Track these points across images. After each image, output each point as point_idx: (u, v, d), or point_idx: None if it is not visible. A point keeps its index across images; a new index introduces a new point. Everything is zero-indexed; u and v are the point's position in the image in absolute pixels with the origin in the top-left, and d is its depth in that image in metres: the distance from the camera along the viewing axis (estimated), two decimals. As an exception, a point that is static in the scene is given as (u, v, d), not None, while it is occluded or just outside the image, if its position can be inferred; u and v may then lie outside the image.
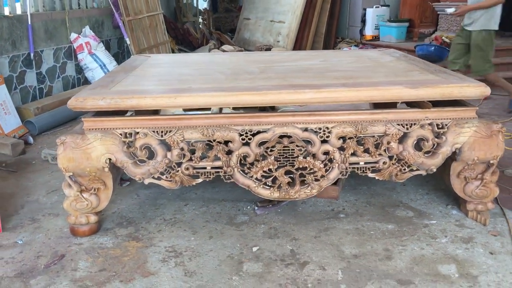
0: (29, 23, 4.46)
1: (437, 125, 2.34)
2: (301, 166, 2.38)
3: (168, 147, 2.36)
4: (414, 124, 2.35)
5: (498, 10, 4.31)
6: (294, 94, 2.32)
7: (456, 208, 2.60)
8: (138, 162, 2.36)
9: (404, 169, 2.39)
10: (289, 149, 2.36)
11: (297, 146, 2.35)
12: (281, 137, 2.34)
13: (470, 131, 2.33)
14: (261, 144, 2.35)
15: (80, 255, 2.22)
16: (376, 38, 7.62)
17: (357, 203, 2.72)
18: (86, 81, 5.43)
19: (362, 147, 2.38)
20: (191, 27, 8.94)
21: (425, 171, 2.40)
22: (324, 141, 2.35)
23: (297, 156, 2.36)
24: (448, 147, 2.34)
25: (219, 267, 2.12)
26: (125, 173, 2.85)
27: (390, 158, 2.39)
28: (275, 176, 2.38)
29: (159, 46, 6.40)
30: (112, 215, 2.62)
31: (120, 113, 2.42)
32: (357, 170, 2.41)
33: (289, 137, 2.34)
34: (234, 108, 3.32)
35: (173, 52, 7.08)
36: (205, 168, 2.39)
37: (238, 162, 2.36)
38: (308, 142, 2.36)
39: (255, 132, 2.34)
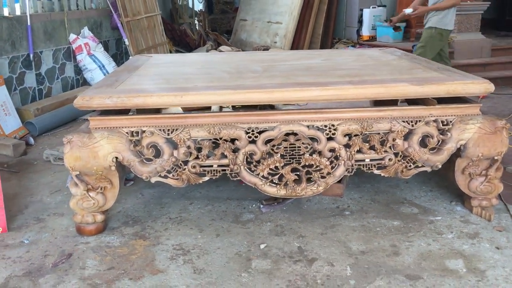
0: (29, 24, 4.45)
1: (442, 121, 2.36)
2: (307, 164, 2.39)
3: (174, 146, 2.36)
4: (419, 121, 2.37)
5: (454, 11, 4.44)
6: (300, 92, 2.33)
7: (460, 204, 2.62)
8: (144, 161, 2.36)
9: (410, 166, 2.41)
10: (295, 147, 2.37)
11: (303, 143, 2.36)
12: (287, 134, 2.35)
13: (474, 127, 2.35)
14: (268, 142, 2.36)
15: (88, 254, 2.22)
16: (373, 38, 7.65)
17: (362, 200, 2.74)
18: (85, 82, 5.42)
19: (367, 144, 2.39)
20: (188, 28, 8.94)
21: (430, 168, 2.42)
22: (330, 139, 2.36)
23: (303, 154, 2.37)
24: (453, 143, 2.36)
25: (228, 264, 2.13)
26: (129, 173, 2.86)
27: (396, 155, 2.40)
28: (282, 173, 2.39)
29: (157, 47, 6.40)
30: (117, 214, 2.62)
31: (123, 112, 2.43)
32: (363, 167, 2.43)
33: (295, 134, 2.35)
34: (233, 108, 3.34)
35: (170, 53, 7.08)
36: (211, 166, 2.39)
37: (245, 160, 2.37)
38: (314, 139, 2.37)
39: (261, 130, 2.35)
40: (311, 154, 2.38)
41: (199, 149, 2.37)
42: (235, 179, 2.41)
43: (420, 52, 4.54)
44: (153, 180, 2.39)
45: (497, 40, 7.03)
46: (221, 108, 4.00)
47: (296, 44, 7.79)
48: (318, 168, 2.39)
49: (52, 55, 4.90)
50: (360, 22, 7.86)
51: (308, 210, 2.64)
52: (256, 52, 3.88)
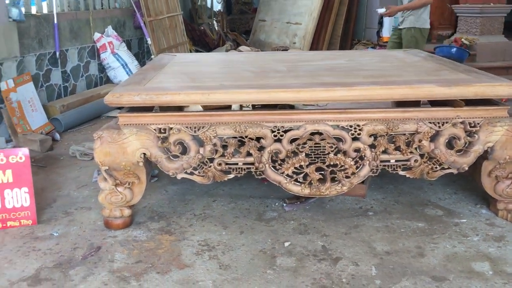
0: (55, 22, 4.54)
1: (469, 123, 2.35)
2: (332, 163, 2.40)
3: (200, 143, 2.39)
4: (446, 122, 2.36)
5: (426, 9, 4.49)
6: (326, 92, 2.35)
7: (485, 207, 2.60)
8: (171, 157, 2.39)
9: (436, 167, 2.40)
10: (320, 146, 2.38)
11: (328, 143, 2.37)
12: (312, 134, 2.37)
13: (502, 130, 2.33)
14: (293, 140, 2.37)
15: (116, 247, 2.26)
16: (393, 40, 7.60)
17: (385, 201, 2.74)
18: (108, 80, 5.50)
19: (393, 145, 2.39)
20: (207, 28, 9.01)
21: (457, 170, 2.41)
22: (355, 139, 2.37)
23: (328, 153, 2.38)
24: (480, 145, 2.35)
25: (253, 261, 2.15)
26: (154, 169, 2.91)
27: (422, 156, 2.40)
28: (306, 172, 2.41)
29: (178, 46, 6.46)
30: (143, 210, 2.66)
31: (146, 109, 2.46)
32: (388, 168, 2.43)
33: (321, 134, 2.36)
34: (253, 107, 3.37)
35: (190, 52, 7.13)
36: (236, 164, 2.42)
37: (270, 159, 2.39)
38: (339, 139, 2.38)
39: (286, 129, 2.37)
40: (336, 154, 2.39)
41: (224, 147, 2.40)
42: (259, 177, 2.43)
43: None
44: (179, 176, 2.42)
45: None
46: (241, 107, 4.03)
47: (315, 45, 7.78)
48: (342, 168, 2.39)
49: (77, 53, 5.00)
50: (381, 23, 7.83)
51: (331, 209, 2.65)
52: (279, 52, 3.90)
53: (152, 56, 5.75)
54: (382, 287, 1.95)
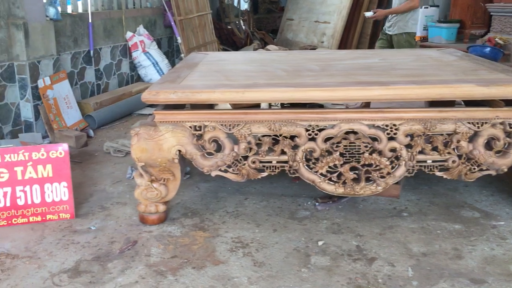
0: (90, 21, 4.64)
1: (509, 124, 2.30)
2: (367, 163, 2.38)
3: (235, 141, 2.41)
4: (485, 123, 2.31)
5: (415, 14, 4.43)
6: (362, 91, 2.33)
7: (524, 210, 2.55)
8: (206, 155, 2.42)
9: (474, 169, 2.36)
10: (355, 145, 2.36)
11: (363, 142, 2.35)
12: (347, 133, 2.35)
13: (544, 131, 2.27)
14: (327, 139, 2.37)
15: (152, 242, 2.30)
16: (424, 39, 7.46)
17: (420, 202, 2.70)
18: (139, 78, 5.59)
19: (430, 145, 2.36)
20: (234, 27, 9.04)
21: (495, 171, 2.36)
22: (391, 138, 2.35)
23: (363, 153, 2.37)
24: (521, 146, 2.29)
25: (287, 259, 2.16)
26: (186, 166, 2.94)
27: (459, 157, 2.36)
28: (340, 172, 2.39)
29: (207, 45, 6.51)
30: (176, 206, 2.70)
31: (178, 107, 2.49)
32: (424, 169, 2.39)
33: (356, 133, 2.35)
34: (281, 105, 3.37)
35: (218, 51, 7.18)
36: (270, 162, 2.43)
37: (304, 157, 2.39)
38: (374, 139, 2.36)
39: (321, 127, 2.37)
40: (371, 153, 2.37)
41: (258, 145, 2.41)
42: (293, 175, 2.43)
43: None
44: (213, 174, 2.44)
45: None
46: (269, 106, 4.04)
47: (343, 44, 7.72)
48: (377, 168, 2.37)
49: (110, 51, 5.09)
50: (411, 22, 7.70)
51: (364, 209, 2.63)
52: (310, 51, 3.89)
53: (182, 55, 5.81)
54: (419, 288, 1.93)
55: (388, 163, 2.37)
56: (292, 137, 2.38)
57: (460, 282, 1.95)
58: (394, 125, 2.33)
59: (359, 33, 7.82)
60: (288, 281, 1.99)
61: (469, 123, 2.32)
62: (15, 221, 2.49)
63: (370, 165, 2.38)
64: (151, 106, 4.98)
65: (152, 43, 5.53)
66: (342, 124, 2.34)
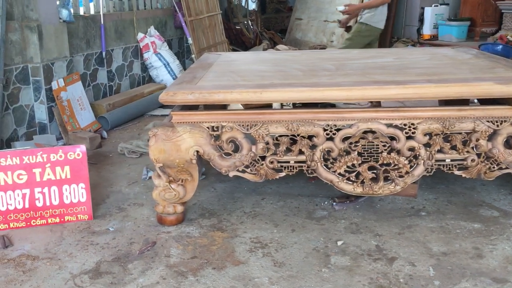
0: (102, 23, 4.66)
1: (529, 122, 2.28)
2: (385, 162, 2.37)
3: (252, 141, 2.41)
4: (504, 121, 2.29)
5: (383, 9, 4.43)
6: (379, 90, 2.32)
7: (544, 209, 2.52)
8: (224, 155, 2.42)
9: (493, 167, 2.34)
10: (373, 145, 2.35)
11: (381, 141, 2.35)
12: (365, 132, 2.35)
13: None
14: (345, 139, 2.36)
15: (171, 243, 2.31)
16: (434, 37, 7.45)
17: (437, 201, 2.69)
18: (150, 79, 5.61)
19: (448, 143, 2.35)
20: (243, 27, 9.05)
21: (515, 170, 2.34)
22: (409, 137, 2.33)
23: (381, 152, 2.36)
24: (541, 145, 2.27)
25: (307, 259, 2.15)
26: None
27: (478, 155, 2.34)
28: (359, 171, 2.39)
29: (217, 45, 6.52)
30: (193, 207, 2.71)
31: (193, 107, 2.49)
32: (443, 168, 2.38)
33: (374, 132, 2.34)
34: (293, 105, 3.37)
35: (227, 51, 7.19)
36: (288, 162, 2.42)
37: (322, 157, 2.39)
38: (392, 138, 2.35)
39: (339, 127, 2.36)
40: (389, 153, 2.36)
41: (276, 145, 2.41)
42: (311, 175, 2.42)
43: (346, 45, 4.67)
44: (231, 174, 2.44)
45: None
46: (281, 106, 4.03)
47: (353, 43, 7.70)
48: (396, 167, 2.36)
49: (122, 53, 5.12)
50: (421, 20, 7.68)
51: (382, 209, 2.62)
52: (324, 51, 3.89)
53: (193, 56, 5.83)
54: (442, 287, 1.92)
55: (406, 162, 2.35)
56: (310, 137, 2.37)
57: (482, 282, 1.94)
58: (413, 124, 2.32)
59: (369, 32, 7.78)
60: (309, 281, 1.99)
61: (488, 121, 2.30)
62: (33, 222, 2.50)
63: (388, 164, 2.37)
64: (163, 107, 5.01)
65: (163, 44, 5.54)
66: (360, 123, 2.34)
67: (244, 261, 2.14)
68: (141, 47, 5.38)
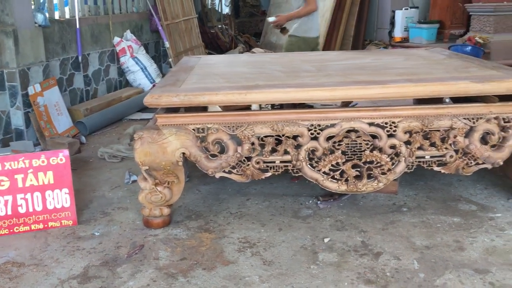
0: (78, 27, 4.60)
1: (503, 119, 2.38)
2: (368, 160, 2.43)
3: (238, 142, 2.43)
4: (480, 118, 2.39)
5: (311, 17, 4.36)
6: (362, 90, 2.39)
7: (518, 201, 2.64)
8: (210, 157, 2.43)
9: (471, 163, 2.44)
10: (356, 143, 2.41)
11: (364, 140, 2.41)
12: (348, 131, 2.40)
13: (536, 124, 2.36)
14: (329, 138, 2.41)
15: (159, 245, 2.30)
16: (405, 40, 7.63)
17: (417, 197, 2.77)
18: (127, 84, 5.56)
19: (428, 141, 2.43)
20: (219, 31, 9.07)
21: (491, 165, 2.44)
22: (390, 135, 2.40)
23: (364, 150, 2.42)
24: (515, 140, 2.38)
25: (295, 257, 2.19)
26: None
27: (456, 152, 2.43)
28: (343, 169, 2.44)
29: (193, 49, 6.52)
30: (179, 209, 2.71)
31: (173, 110, 2.50)
32: (423, 164, 2.46)
33: (356, 131, 2.40)
34: (272, 107, 3.40)
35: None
36: (274, 162, 2.46)
37: (307, 156, 2.43)
38: (374, 136, 2.41)
39: (323, 127, 2.41)
40: (371, 151, 2.42)
41: (262, 146, 2.44)
42: (297, 175, 2.46)
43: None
44: (217, 175, 2.46)
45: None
46: (260, 107, 4.07)
47: (327, 45, 7.82)
48: (379, 165, 2.43)
49: (98, 57, 5.06)
50: (392, 23, 7.86)
51: (365, 206, 2.68)
52: (304, 53, 3.92)
53: (170, 59, 5.82)
54: (427, 280, 1.98)
55: (388, 159, 2.42)
56: (294, 137, 2.42)
57: (465, 273, 2.01)
58: (393, 122, 2.39)
59: (342, 35, 7.93)
60: (298, 278, 2.02)
61: (464, 118, 2.39)
62: (16, 229, 2.46)
63: (371, 162, 2.43)
64: (142, 111, 4.98)
65: (140, 48, 5.51)
66: (343, 122, 2.39)
67: (233, 261, 2.16)
68: (118, 51, 5.33)
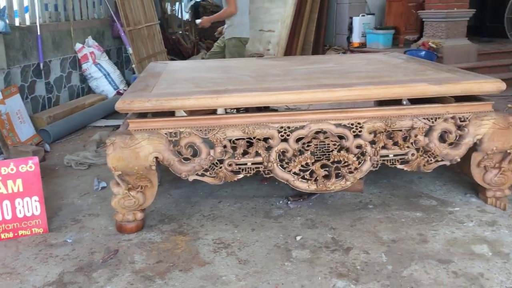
0: (39, 33, 4.51)
1: (459, 118, 2.55)
2: (336, 160, 2.54)
3: (210, 145, 2.48)
4: (439, 118, 2.55)
5: (243, 20, 4.72)
6: (328, 93, 2.49)
7: (474, 196, 2.81)
8: (183, 160, 2.47)
9: (431, 160, 2.59)
10: (324, 144, 2.52)
11: (331, 141, 2.51)
12: (317, 133, 2.50)
13: (489, 123, 2.54)
14: (299, 140, 2.50)
15: (133, 249, 2.31)
16: (363, 45, 7.91)
17: (382, 195, 2.90)
18: (90, 90, 5.48)
19: (391, 140, 2.56)
20: (180, 37, 9.06)
21: (449, 162, 2.60)
22: (356, 136, 2.52)
23: (332, 150, 2.52)
24: (471, 138, 2.55)
25: (269, 255, 2.25)
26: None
27: (417, 150, 2.57)
28: (312, 169, 2.54)
29: (156, 55, 6.50)
30: (152, 213, 2.72)
31: (142, 115, 2.53)
32: (387, 162, 2.59)
33: (324, 132, 2.50)
34: (237, 110, 3.47)
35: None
36: (246, 164, 2.52)
37: (277, 158, 2.51)
38: (341, 137, 2.52)
39: (292, 129, 2.50)
40: (339, 151, 2.53)
41: (233, 148, 2.50)
42: (268, 176, 2.54)
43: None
44: (190, 178, 2.50)
45: (481, 45, 7.35)
46: (225, 111, 4.13)
47: (288, 51, 7.98)
48: (346, 164, 2.54)
49: (60, 64, 4.97)
50: (350, 29, 8.12)
51: (333, 205, 2.79)
52: (270, 58, 4.02)
53: (133, 65, 5.78)
54: (395, 271, 2.09)
55: (355, 159, 2.54)
56: (265, 139, 2.49)
57: (429, 263, 2.14)
58: (359, 123, 2.51)
59: (303, 40, 8.12)
60: (274, 275, 2.09)
61: (424, 118, 2.54)
62: (-16, 239, 2.40)
63: (339, 161, 2.54)
64: (106, 117, 4.93)
65: (103, 54, 5.45)
66: (312, 124, 2.49)
67: (209, 262, 2.20)
68: (80, 57, 5.26)
